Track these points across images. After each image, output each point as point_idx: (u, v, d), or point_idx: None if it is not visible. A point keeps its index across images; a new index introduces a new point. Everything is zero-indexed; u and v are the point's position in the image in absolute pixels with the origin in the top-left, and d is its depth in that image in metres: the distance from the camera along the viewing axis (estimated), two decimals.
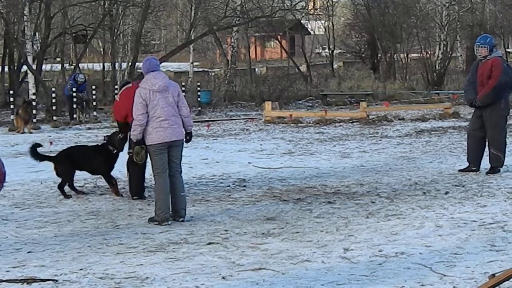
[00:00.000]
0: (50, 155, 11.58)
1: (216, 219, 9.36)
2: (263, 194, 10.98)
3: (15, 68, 29.43)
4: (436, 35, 35.24)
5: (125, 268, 7.22)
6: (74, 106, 23.13)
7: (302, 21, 53.86)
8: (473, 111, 12.58)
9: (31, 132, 20.48)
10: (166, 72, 33.57)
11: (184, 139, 9.45)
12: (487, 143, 12.26)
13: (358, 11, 42.25)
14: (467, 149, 12.58)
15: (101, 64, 33.86)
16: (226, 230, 8.74)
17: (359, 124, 21.12)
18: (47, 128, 21.55)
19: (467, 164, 12.49)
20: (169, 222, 9.11)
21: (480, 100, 12.04)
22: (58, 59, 38.93)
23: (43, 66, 30.01)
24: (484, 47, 12.03)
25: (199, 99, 26.51)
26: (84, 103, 23.50)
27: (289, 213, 9.66)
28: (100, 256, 7.68)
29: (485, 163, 12.28)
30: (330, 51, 44.55)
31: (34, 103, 21.71)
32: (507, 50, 41.73)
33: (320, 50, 58.31)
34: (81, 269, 7.21)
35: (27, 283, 6.79)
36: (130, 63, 29.98)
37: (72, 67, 33.04)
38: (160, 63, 11.27)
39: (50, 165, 11.32)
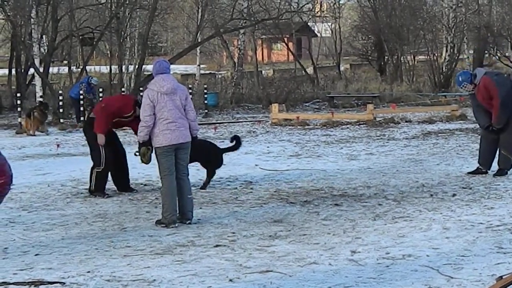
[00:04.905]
0: None
1: (223, 222, 9.36)
2: (270, 197, 10.98)
3: (22, 70, 29.48)
4: (443, 37, 35.18)
5: (132, 271, 7.23)
6: (81, 108, 23.16)
7: (309, 23, 53.83)
8: None
9: (34, 134, 20.43)
10: (173, 74, 33.57)
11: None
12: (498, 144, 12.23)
13: (365, 13, 42.16)
14: (479, 150, 12.54)
15: (108, 67, 33.89)
16: (233, 233, 8.74)
17: (366, 126, 21.10)
18: (54, 131, 21.58)
19: (475, 166, 12.47)
20: (176, 225, 9.11)
21: (496, 123, 11.95)
22: (65, 62, 38.99)
23: (50, 69, 30.05)
24: (466, 84, 12.02)
25: (206, 102, 26.53)
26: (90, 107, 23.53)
27: (296, 215, 9.66)
28: (107, 259, 7.69)
29: (493, 165, 12.26)
30: (337, 53, 44.50)
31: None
32: None
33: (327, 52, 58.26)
34: (88, 272, 7.22)
35: (35, 286, 6.80)
36: (137, 66, 30.00)
37: (79, 69, 33.08)
38: None
39: (57, 168, 11.36)
